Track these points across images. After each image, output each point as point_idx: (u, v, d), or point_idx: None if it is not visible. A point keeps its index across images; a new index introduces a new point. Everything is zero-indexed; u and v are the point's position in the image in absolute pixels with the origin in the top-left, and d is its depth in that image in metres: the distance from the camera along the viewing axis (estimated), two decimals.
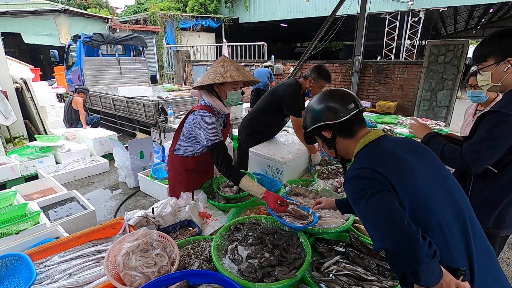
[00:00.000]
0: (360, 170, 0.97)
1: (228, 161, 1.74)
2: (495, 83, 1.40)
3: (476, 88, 2.28)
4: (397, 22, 12.16)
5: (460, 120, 8.21)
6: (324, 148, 1.23)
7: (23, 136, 5.26)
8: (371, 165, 0.96)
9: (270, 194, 1.58)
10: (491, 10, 15.71)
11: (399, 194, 0.91)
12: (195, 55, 12.77)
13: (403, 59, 11.93)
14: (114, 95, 6.64)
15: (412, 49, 12.69)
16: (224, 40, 12.14)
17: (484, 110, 1.38)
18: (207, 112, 1.77)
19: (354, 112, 1.08)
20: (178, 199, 1.87)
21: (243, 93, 1.89)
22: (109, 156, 4.91)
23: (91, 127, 5.96)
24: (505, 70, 1.34)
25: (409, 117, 4.03)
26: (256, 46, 10.74)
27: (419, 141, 1.41)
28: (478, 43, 1.45)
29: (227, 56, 10.60)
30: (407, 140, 1.11)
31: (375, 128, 1.32)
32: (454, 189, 1.01)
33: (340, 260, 1.31)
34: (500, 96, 2.26)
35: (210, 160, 1.96)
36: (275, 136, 2.81)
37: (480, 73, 1.45)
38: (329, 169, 2.32)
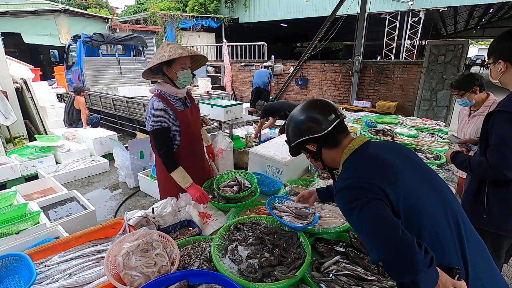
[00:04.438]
0: (349, 180, 0.96)
1: (168, 148, 1.83)
2: (493, 79, 1.51)
3: (462, 96, 2.43)
4: (397, 22, 12.15)
5: None
6: (311, 160, 1.23)
7: (23, 136, 5.26)
8: (359, 174, 0.96)
9: (193, 187, 1.78)
10: (491, 10, 15.69)
11: (391, 199, 0.90)
12: None
13: (403, 59, 11.92)
14: (114, 95, 6.64)
15: (412, 49, 12.68)
16: (224, 40, 12.13)
17: (493, 109, 1.43)
18: (154, 98, 1.82)
19: (335, 123, 1.08)
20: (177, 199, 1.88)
21: (194, 75, 1.91)
22: (109, 156, 4.91)
23: (91, 127, 5.96)
24: (499, 70, 1.43)
25: (410, 117, 4.03)
26: (256, 46, 10.75)
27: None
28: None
29: (227, 56, 10.62)
30: (391, 143, 1.12)
31: (359, 134, 1.33)
32: (443, 189, 1.01)
33: (340, 260, 1.31)
34: (492, 96, 2.36)
35: (195, 152, 2.05)
36: (274, 137, 2.84)
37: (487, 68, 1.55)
38: None
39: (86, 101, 7.46)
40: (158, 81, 1.93)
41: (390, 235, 0.83)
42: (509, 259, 1.74)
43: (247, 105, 8.22)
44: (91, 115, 6.96)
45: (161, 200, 2.03)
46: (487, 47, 1.54)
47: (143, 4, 20.40)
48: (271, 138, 4.16)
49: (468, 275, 0.92)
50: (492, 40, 1.52)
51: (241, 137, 4.92)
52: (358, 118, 4.23)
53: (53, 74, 10.80)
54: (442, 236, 0.91)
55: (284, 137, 2.81)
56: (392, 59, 11.75)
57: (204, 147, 2.28)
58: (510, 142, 1.32)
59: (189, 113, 1.96)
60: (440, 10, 11.95)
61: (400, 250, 0.81)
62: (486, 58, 1.54)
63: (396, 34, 12.23)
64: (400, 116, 4.15)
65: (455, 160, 1.65)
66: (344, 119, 1.14)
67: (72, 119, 5.92)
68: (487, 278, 0.97)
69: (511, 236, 1.54)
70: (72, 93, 5.95)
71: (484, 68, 27.13)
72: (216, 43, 14.55)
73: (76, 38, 7.55)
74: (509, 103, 1.36)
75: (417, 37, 12.43)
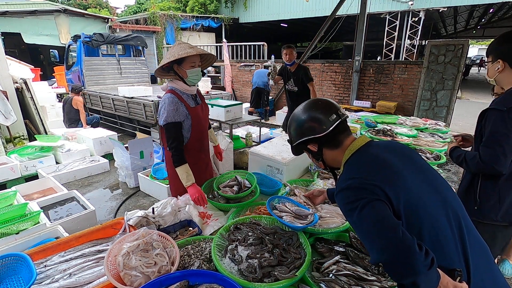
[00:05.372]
0: (350, 181, 0.96)
1: (179, 143, 1.87)
2: (489, 78, 1.56)
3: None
4: (397, 22, 12.16)
5: (459, 120, 8.19)
6: (312, 160, 1.23)
7: (23, 136, 5.26)
8: (360, 174, 0.96)
9: (193, 187, 1.81)
10: (491, 10, 15.69)
11: (392, 199, 0.90)
12: None
13: (403, 59, 11.92)
14: (114, 95, 6.64)
15: (412, 49, 12.68)
16: (224, 40, 12.13)
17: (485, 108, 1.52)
18: (167, 94, 1.89)
19: (336, 123, 1.07)
20: (181, 195, 1.89)
21: (204, 73, 1.96)
22: (109, 156, 4.91)
23: (91, 127, 5.96)
24: (496, 69, 1.48)
25: (410, 117, 4.03)
26: (256, 46, 10.74)
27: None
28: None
29: (227, 56, 10.62)
30: (392, 143, 1.12)
31: (361, 135, 1.34)
32: (443, 188, 1.01)
33: (340, 260, 1.31)
34: None
35: (203, 148, 2.10)
36: (274, 137, 2.85)
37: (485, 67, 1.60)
38: None
39: (86, 101, 7.47)
40: (170, 79, 1.99)
41: (391, 235, 0.83)
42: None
43: (247, 105, 8.22)
44: (90, 115, 6.96)
45: (171, 195, 2.11)
46: (487, 47, 1.58)
47: (143, 4, 20.40)
48: (271, 138, 4.16)
49: (469, 276, 0.91)
50: (492, 39, 1.58)
51: (241, 137, 4.91)
52: (358, 118, 4.22)
53: (53, 74, 10.81)
54: (442, 236, 0.91)
55: (284, 137, 2.81)
56: (392, 59, 11.75)
57: (212, 147, 2.37)
58: (500, 138, 1.40)
59: (200, 110, 2.03)
60: (440, 10, 11.96)
61: (400, 250, 0.81)
62: (485, 57, 1.59)
63: (396, 34, 12.23)
64: (400, 116, 4.15)
65: (452, 155, 1.73)
66: (346, 119, 1.14)
67: (72, 119, 5.92)
68: (489, 279, 0.96)
69: (499, 225, 1.61)
70: (70, 93, 5.96)
71: (482, 68, 27.11)
72: (216, 43, 14.54)
73: (76, 38, 7.55)
74: (501, 102, 1.44)
75: (417, 37, 12.43)
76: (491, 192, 1.55)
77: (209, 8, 16.32)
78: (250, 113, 7.76)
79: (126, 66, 8.31)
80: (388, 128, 3.36)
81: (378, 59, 13.13)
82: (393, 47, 12.31)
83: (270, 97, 8.46)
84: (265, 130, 5.74)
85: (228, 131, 4.57)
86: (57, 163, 4.52)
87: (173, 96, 1.86)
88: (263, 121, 5.77)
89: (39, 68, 9.34)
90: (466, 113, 9.22)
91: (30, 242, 1.90)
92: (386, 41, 12.53)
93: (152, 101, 5.58)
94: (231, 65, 10.78)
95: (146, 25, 13.68)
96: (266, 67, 9.33)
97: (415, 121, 3.82)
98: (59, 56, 9.27)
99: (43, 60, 14.82)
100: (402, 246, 0.81)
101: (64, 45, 9.32)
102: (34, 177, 4.09)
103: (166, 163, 2.19)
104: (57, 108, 6.92)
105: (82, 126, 5.86)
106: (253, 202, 1.88)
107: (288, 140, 1.25)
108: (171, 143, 1.86)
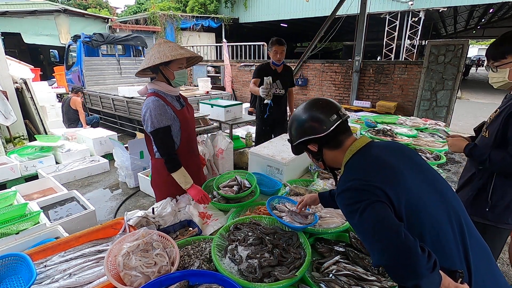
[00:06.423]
0: (351, 182, 0.95)
1: (171, 147, 1.80)
2: (510, 80, 1.41)
3: None
4: (397, 22, 12.16)
5: (459, 120, 8.18)
6: (312, 160, 1.22)
7: (23, 136, 5.26)
8: (361, 176, 0.96)
9: (194, 188, 1.76)
10: (491, 10, 15.70)
11: (393, 200, 0.90)
12: None
13: (403, 59, 11.93)
14: (114, 95, 6.64)
15: (412, 49, 12.69)
16: (224, 40, 12.13)
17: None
18: (150, 97, 1.77)
19: (337, 123, 1.06)
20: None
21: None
22: (109, 156, 4.91)
23: (91, 127, 5.96)
24: None
25: (410, 117, 4.03)
26: (256, 46, 10.75)
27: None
28: (494, 40, 1.45)
29: (227, 56, 10.62)
30: (392, 144, 1.12)
31: (361, 135, 1.32)
32: (443, 188, 1.00)
33: (340, 260, 1.31)
34: None
35: (192, 150, 2.03)
36: (274, 137, 2.85)
37: (494, 70, 1.46)
38: None
39: (86, 101, 7.47)
40: (151, 79, 1.90)
41: (391, 235, 0.82)
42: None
43: (247, 105, 8.20)
44: (90, 115, 6.96)
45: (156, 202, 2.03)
46: (487, 47, 1.49)
47: (143, 4, 20.40)
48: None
49: (471, 278, 0.91)
50: (492, 39, 1.49)
51: (241, 137, 4.92)
52: (358, 118, 4.22)
53: (53, 74, 10.81)
54: (443, 237, 0.90)
55: (284, 137, 2.81)
56: (392, 59, 11.75)
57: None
58: None
59: (186, 112, 1.96)
60: (440, 10, 11.96)
61: (401, 252, 0.80)
62: (495, 60, 1.44)
63: (396, 34, 12.24)
64: (400, 116, 4.15)
65: (472, 152, 1.58)
66: (347, 119, 1.13)
67: (71, 119, 5.92)
68: (490, 280, 0.96)
69: (510, 229, 1.55)
70: (70, 93, 5.97)
71: (480, 68, 27.00)
72: (216, 43, 14.55)
73: (76, 38, 7.56)
74: None
75: (417, 37, 12.44)
76: (509, 191, 1.48)
77: (209, 8, 16.32)
78: (250, 113, 7.74)
79: (126, 66, 8.31)
80: (388, 128, 3.36)
81: (378, 59, 13.14)
82: (393, 47, 12.31)
83: None
84: None
85: (228, 131, 4.57)
86: (57, 163, 4.52)
87: (157, 99, 1.74)
88: None
89: (39, 68, 9.35)
90: (466, 113, 9.23)
91: (30, 242, 1.90)
92: (386, 41, 12.53)
93: None
94: (231, 65, 10.79)
95: (146, 25, 13.69)
96: None
97: (415, 121, 3.82)
98: (59, 56, 9.27)
99: (43, 60, 14.83)
100: (403, 247, 0.80)
101: (64, 45, 9.32)
102: (34, 177, 4.09)
103: (153, 172, 2.01)
104: (57, 108, 6.92)
105: (82, 126, 5.86)
106: (253, 202, 1.87)
107: (288, 139, 1.25)
108: (163, 149, 1.77)
